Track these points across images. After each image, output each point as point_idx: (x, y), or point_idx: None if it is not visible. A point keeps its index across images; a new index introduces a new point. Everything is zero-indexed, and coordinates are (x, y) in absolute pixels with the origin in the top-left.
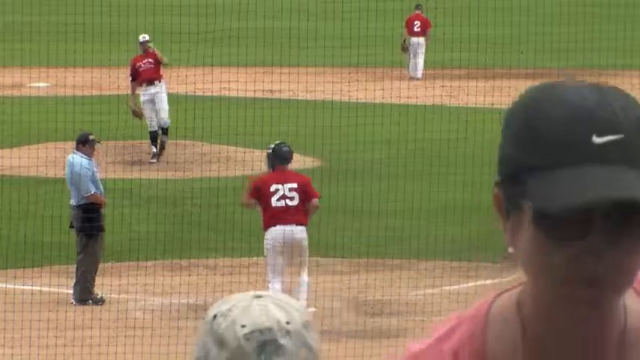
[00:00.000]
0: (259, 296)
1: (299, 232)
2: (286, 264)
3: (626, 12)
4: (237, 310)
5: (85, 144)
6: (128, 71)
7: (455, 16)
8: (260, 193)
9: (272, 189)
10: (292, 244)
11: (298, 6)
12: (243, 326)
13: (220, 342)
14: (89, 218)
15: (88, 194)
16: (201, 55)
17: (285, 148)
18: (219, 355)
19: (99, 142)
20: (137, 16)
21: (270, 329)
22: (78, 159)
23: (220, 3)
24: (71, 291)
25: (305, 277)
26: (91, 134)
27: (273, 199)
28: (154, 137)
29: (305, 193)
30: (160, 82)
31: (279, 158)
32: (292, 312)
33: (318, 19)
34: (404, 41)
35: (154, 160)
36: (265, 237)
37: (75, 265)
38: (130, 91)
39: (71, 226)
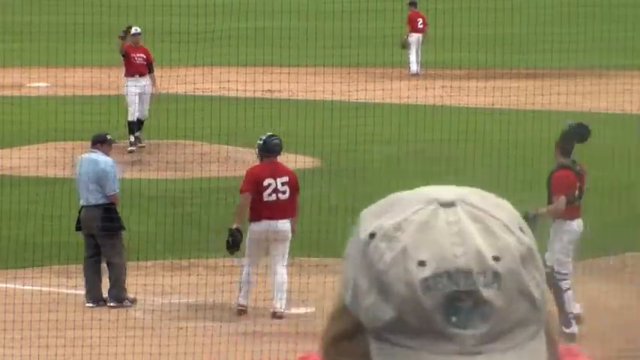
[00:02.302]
0: (448, 204)
1: (282, 225)
2: (264, 254)
3: (626, 12)
4: (412, 229)
5: (103, 143)
6: (122, 50)
7: (455, 16)
8: (255, 186)
9: (265, 183)
10: (276, 237)
11: (298, 6)
12: (421, 263)
13: (381, 286)
14: (111, 218)
15: (113, 193)
16: (200, 55)
17: (275, 141)
18: (381, 307)
19: (115, 141)
20: (137, 16)
21: (467, 273)
22: (102, 157)
23: (220, 3)
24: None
25: (283, 269)
26: (108, 134)
27: (265, 193)
28: (132, 128)
29: (295, 186)
30: (147, 75)
31: (268, 150)
32: (503, 235)
33: (317, 18)
34: (405, 38)
35: (134, 148)
36: (250, 229)
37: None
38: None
39: (78, 229)
